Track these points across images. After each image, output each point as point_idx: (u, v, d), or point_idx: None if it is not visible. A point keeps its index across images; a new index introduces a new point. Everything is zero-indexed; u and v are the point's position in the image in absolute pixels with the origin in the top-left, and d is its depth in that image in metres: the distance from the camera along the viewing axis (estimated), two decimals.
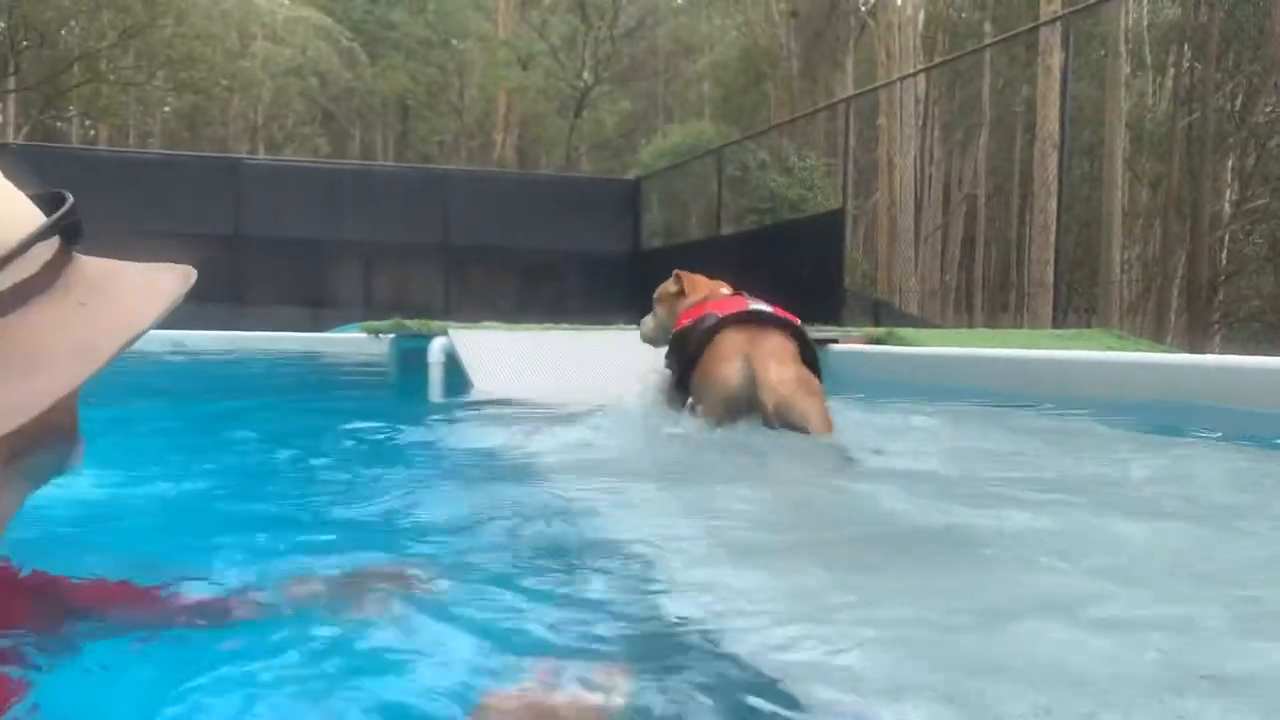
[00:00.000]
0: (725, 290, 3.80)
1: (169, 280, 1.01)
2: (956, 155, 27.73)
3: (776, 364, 3.24)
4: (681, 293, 3.86)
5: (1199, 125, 21.11)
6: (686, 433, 3.27)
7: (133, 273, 1.00)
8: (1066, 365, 4.10)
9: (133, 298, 0.97)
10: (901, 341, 5.34)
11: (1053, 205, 18.31)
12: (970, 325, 22.51)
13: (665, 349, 3.68)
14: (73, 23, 24.11)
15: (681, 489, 2.44)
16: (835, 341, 5.08)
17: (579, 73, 28.87)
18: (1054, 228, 17.94)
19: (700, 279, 3.93)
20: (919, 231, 23.00)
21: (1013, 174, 25.90)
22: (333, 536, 1.90)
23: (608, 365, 4.04)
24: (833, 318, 10.19)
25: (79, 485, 2.25)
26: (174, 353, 7.95)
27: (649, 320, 4.05)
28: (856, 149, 24.17)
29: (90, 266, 0.96)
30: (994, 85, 25.26)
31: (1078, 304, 28.63)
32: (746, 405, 3.23)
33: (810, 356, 3.37)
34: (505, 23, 32.32)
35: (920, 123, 23.06)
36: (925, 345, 5.13)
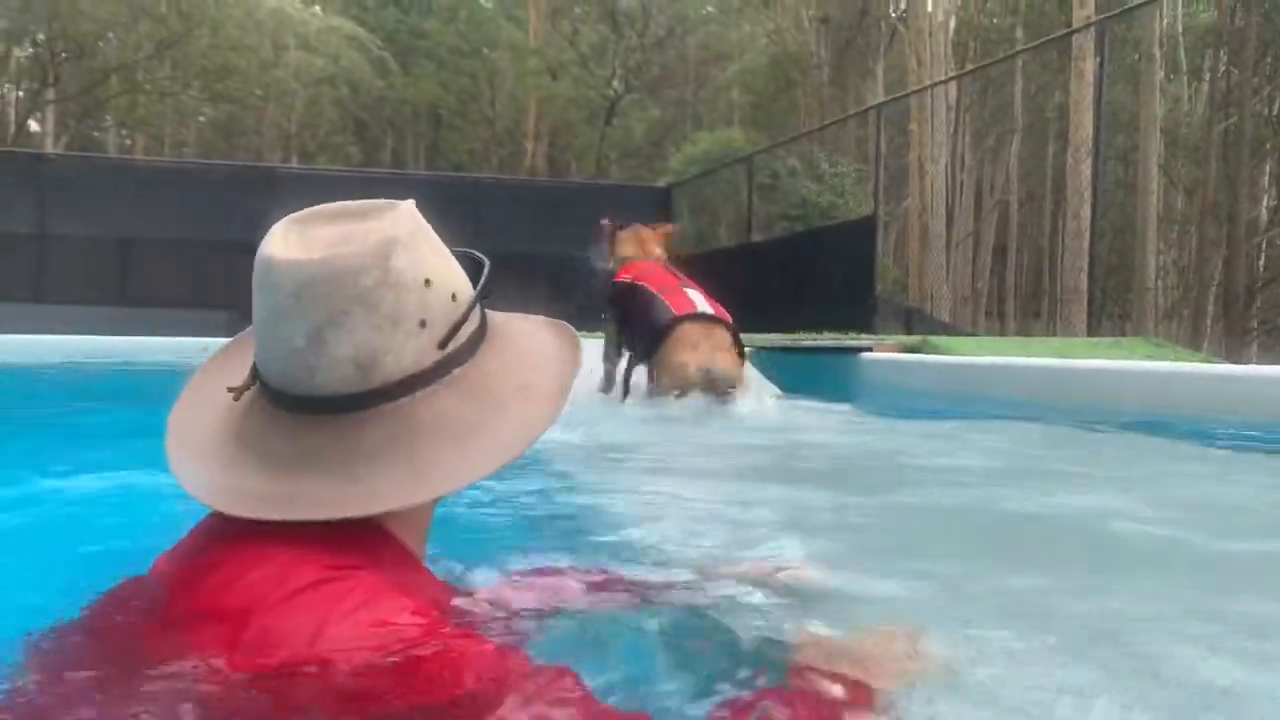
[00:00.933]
0: (658, 250, 5.29)
1: (546, 324, 1.34)
2: (988, 161, 27.55)
3: (722, 353, 4.62)
4: (638, 238, 5.40)
5: (1235, 130, 20.87)
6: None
7: (517, 320, 1.30)
8: (1114, 375, 4.04)
9: (535, 338, 1.27)
10: (935, 350, 5.29)
11: (1086, 211, 18.15)
12: (1002, 332, 22.36)
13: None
14: (110, 34, 24.45)
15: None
16: (869, 350, 5.04)
17: (609, 81, 28.94)
18: (1088, 234, 17.77)
19: (632, 238, 5.35)
20: (950, 238, 22.87)
21: (1045, 180, 25.72)
22: None
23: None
24: (865, 325, 10.15)
25: None
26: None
27: (600, 251, 5.55)
28: (887, 155, 24.08)
29: (493, 317, 1.24)
30: (1026, 90, 25.09)
31: (1112, 310, 28.36)
32: (699, 382, 4.46)
33: (737, 340, 4.74)
34: (536, 32, 32.46)
35: (952, 129, 22.94)
36: (959, 354, 5.08)
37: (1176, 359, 5.46)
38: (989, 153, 27.06)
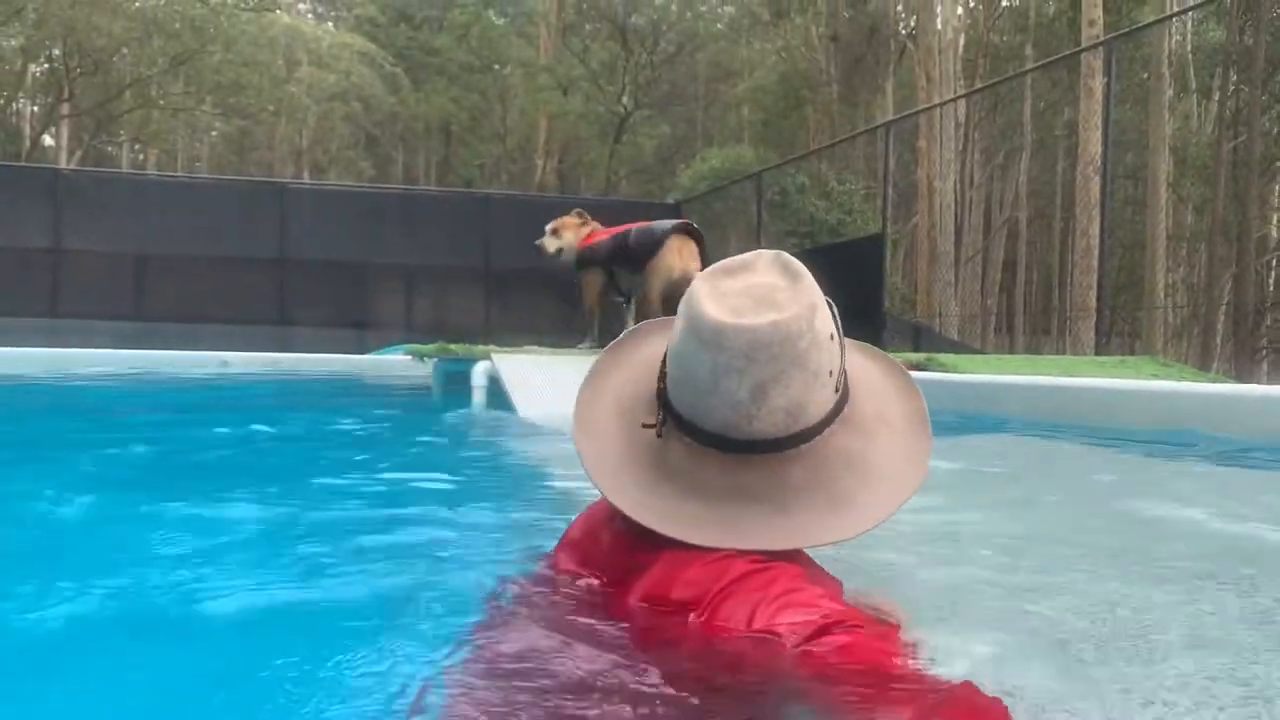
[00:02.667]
0: (598, 225, 7.06)
1: (887, 365, 1.50)
2: (997, 178, 27.61)
3: (694, 263, 6.38)
4: (585, 223, 7.06)
5: (1244, 149, 20.88)
6: None
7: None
8: (1120, 395, 4.08)
9: (855, 360, 1.44)
10: (942, 368, 5.32)
11: (1095, 229, 18.18)
12: (1011, 350, 22.36)
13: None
14: (124, 50, 24.66)
15: None
16: None
17: (619, 98, 29.08)
18: (1097, 252, 17.81)
19: (570, 224, 7.09)
20: (959, 255, 22.90)
21: (1054, 197, 25.75)
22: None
23: None
24: (873, 342, 10.16)
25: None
26: (221, 374, 8.17)
27: (554, 241, 7.10)
28: (896, 172, 24.13)
29: None
30: (1035, 108, 25.15)
31: (1121, 328, 28.31)
32: (681, 285, 4.89)
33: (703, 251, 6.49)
34: (547, 48, 32.65)
35: (960, 146, 23.00)
36: (965, 372, 5.12)
37: (1181, 378, 5.48)
38: (999, 170, 27.11)
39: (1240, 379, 17.82)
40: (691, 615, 1.16)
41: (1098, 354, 9.68)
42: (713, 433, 1.28)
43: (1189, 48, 23.59)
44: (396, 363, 7.29)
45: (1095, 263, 17.89)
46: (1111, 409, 4.00)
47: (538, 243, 7.16)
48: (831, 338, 1.29)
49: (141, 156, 35.94)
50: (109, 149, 34.98)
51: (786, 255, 1.35)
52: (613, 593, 1.29)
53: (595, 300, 7.23)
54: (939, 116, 20.82)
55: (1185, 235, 24.37)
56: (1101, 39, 16.63)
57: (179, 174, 30.13)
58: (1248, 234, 20.47)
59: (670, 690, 1.07)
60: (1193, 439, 3.55)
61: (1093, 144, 17.91)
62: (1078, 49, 17.19)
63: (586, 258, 6.96)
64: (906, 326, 13.88)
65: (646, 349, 1.47)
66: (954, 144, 21.85)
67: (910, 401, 1.44)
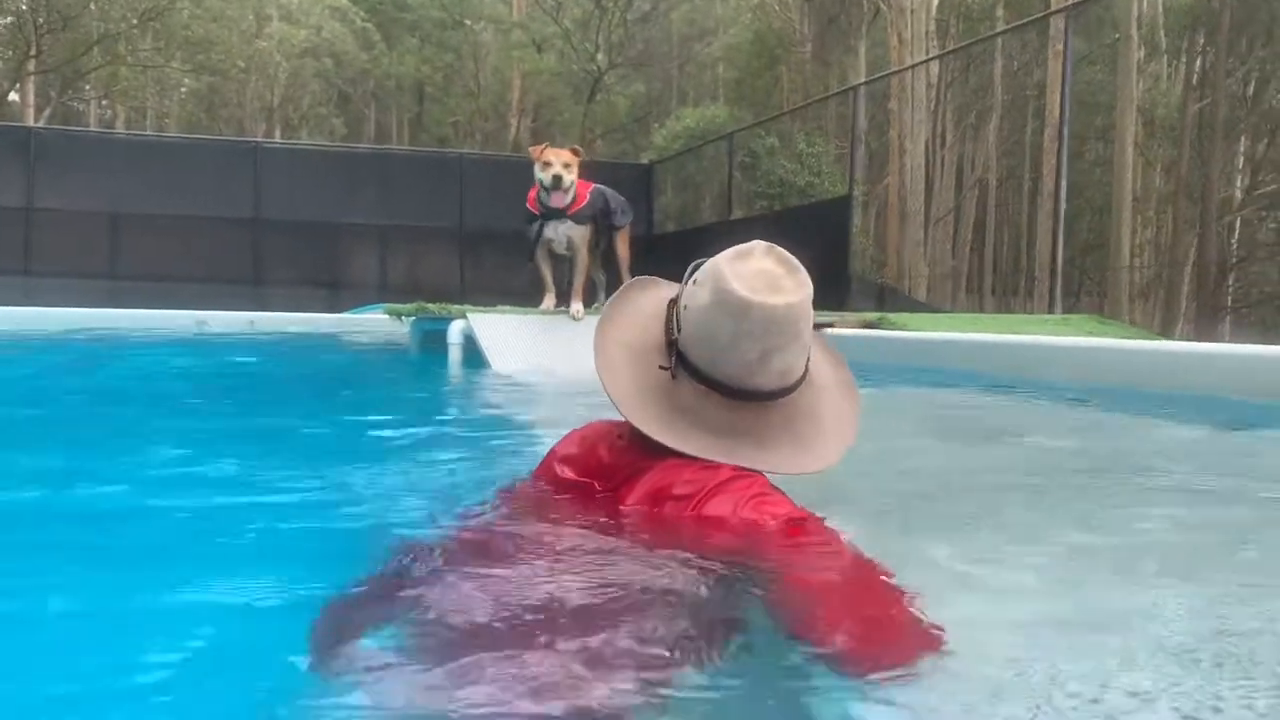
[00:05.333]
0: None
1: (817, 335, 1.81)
2: (970, 139, 27.79)
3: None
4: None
5: (1209, 111, 21.17)
6: None
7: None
8: (1045, 350, 4.36)
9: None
10: (893, 326, 5.59)
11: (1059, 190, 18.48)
12: (981, 309, 22.69)
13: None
14: (92, 5, 24.33)
15: None
16: (831, 325, 5.34)
17: (592, 56, 28.98)
18: (1060, 212, 18.08)
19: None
20: (929, 216, 23.13)
21: (1024, 158, 25.97)
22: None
23: None
24: (839, 302, 10.43)
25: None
26: (199, 334, 8.32)
27: (570, 176, 6.21)
28: (869, 133, 24.26)
29: None
30: (1007, 69, 25.29)
31: (1090, 288, 28.75)
32: None
33: None
34: (520, 5, 32.43)
35: (932, 107, 23.14)
36: (914, 330, 5.38)
37: (1117, 335, 5.76)
38: (970, 130, 27.29)
39: (1201, 337, 18.22)
40: (692, 507, 1.54)
41: (1064, 313, 9.99)
42: (720, 381, 1.66)
43: (1160, 9, 23.79)
44: (373, 321, 7.45)
45: (1057, 224, 18.20)
46: (1037, 363, 4.30)
47: (557, 174, 6.04)
48: (810, 320, 1.71)
49: (110, 113, 35.47)
50: (77, 106, 34.50)
51: (777, 248, 1.72)
52: (611, 493, 1.65)
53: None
54: (910, 78, 20.95)
55: (1153, 196, 24.69)
56: (1066, 5, 16.80)
57: (152, 133, 29.87)
58: (1211, 195, 20.82)
59: (672, 563, 1.39)
60: (1108, 391, 3.85)
61: (1059, 106, 18.12)
62: (1043, 14, 17.33)
63: (586, 213, 6.33)
64: (872, 287, 14.12)
65: (639, 303, 1.85)
66: (925, 105, 21.99)
67: (840, 371, 1.90)
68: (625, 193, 17.68)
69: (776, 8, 26.81)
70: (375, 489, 2.21)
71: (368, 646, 1.18)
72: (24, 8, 24.05)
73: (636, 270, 17.06)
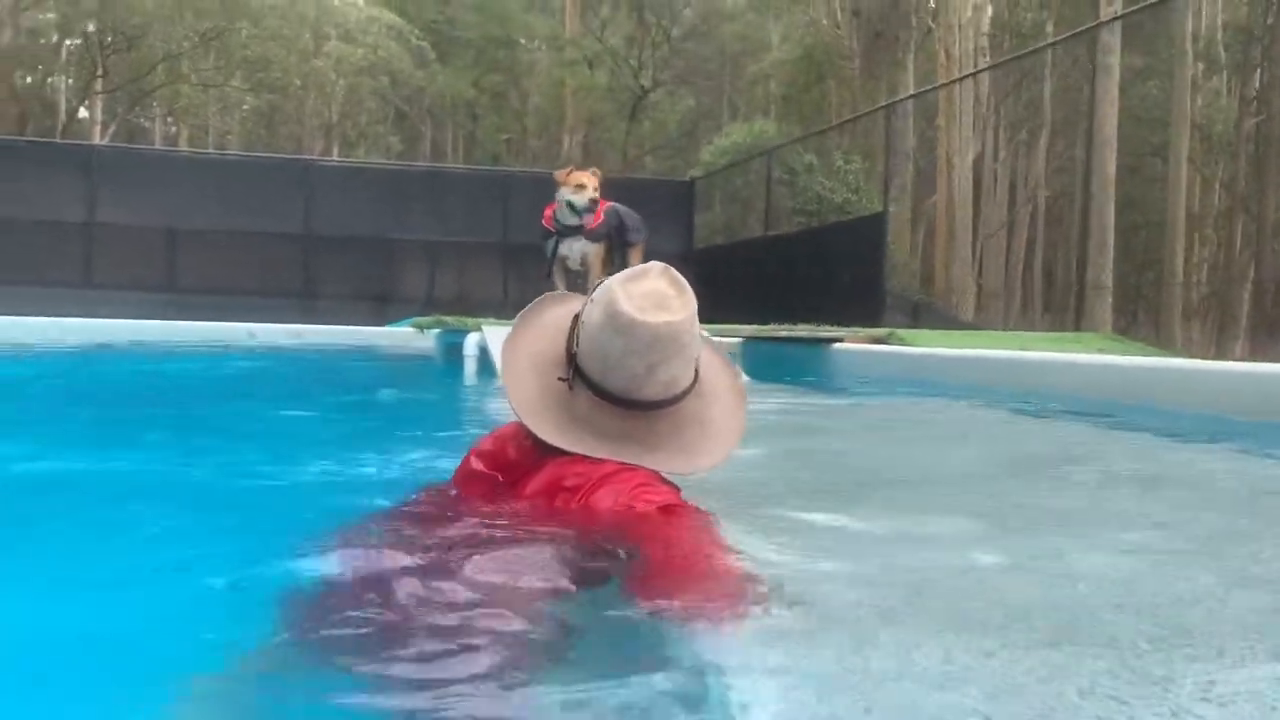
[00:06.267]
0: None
1: (713, 348, 2.03)
2: (1021, 155, 27.56)
3: None
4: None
5: (1265, 126, 20.83)
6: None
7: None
8: (1038, 366, 4.42)
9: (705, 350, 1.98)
10: (901, 342, 5.66)
11: (1109, 208, 18.30)
12: (1030, 327, 22.48)
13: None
14: (155, 26, 25.12)
15: None
16: (840, 341, 5.42)
17: (635, 75, 29.31)
18: (1109, 230, 17.92)
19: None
20: (977, 233, 22.98)
21: (1075, 176, 25.69)
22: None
23: None
24: (873, 318, 10.45)
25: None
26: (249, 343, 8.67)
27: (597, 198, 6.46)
28: (918, 150, 24.19)
29: None
30: (1060, 85, 25.06)
31: (1146, 306, 28.29)
32: None
33: None
34: (570, 23, 32.79)
35: (982, 124, 23.03)
36: (920, 346, 5.45)
37: (1125, 353, 5.78)
38: (1022, 147, 27.07)
39: (1259, 355, 17.87)
40: (581, 497, 1.72)
41: (1114, 331, 9.99)
42: (612, 393, 1.82)
43: (1219, 24, 23.46)
44: (404, 334, 7.67)
45: (1108, 241, 18.02)
46: (1031, 378, 4.37)
47: (593, 198, 6.44)
48: (699, 333, 1.86)
49: (175, 130, 36.48)
50: (143, 123, 35.55)
51: (671, 269, 1.87)
52: (512, 485, 1.84)
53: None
54: (958, 93, 20.89)
55: (1210, 214, 24.30)
56: (1116, 15, 16.70)
57: (208, 150, 30.68)
58: (1267, 211, 20.46)
59: (554, 544, 1.59)
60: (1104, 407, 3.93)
61: (1109, 122, 17.98)
62: (1089, 26, 17.24)
63: (600, 230, 6.74)
64: (906, 303, 14.10)
65: (548, 316, 2.00)
66: (972, 122, 21.88)
67: (733, 380, 2.04)
68: (665, 209, 17.96)
69: (825, 22, 26.86)
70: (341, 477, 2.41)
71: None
72: (91, 29, 24.90)
73: None
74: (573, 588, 1.44)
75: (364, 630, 1.26)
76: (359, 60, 31.01)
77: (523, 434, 1.87)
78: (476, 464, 1.91)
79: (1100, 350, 5.75)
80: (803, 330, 6.66)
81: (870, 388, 4.77)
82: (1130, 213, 26.45)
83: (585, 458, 1.78)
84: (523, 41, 35.27)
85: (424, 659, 1.18)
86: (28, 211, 14.45)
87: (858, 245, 12.07)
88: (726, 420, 1.93)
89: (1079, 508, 2.42)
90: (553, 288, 6.46)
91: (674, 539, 1.68)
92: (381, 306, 14.56)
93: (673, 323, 1.78)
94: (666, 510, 1.71)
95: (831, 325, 7.51)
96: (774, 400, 4.29)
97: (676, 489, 1.84)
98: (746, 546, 1.70)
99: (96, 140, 27.87)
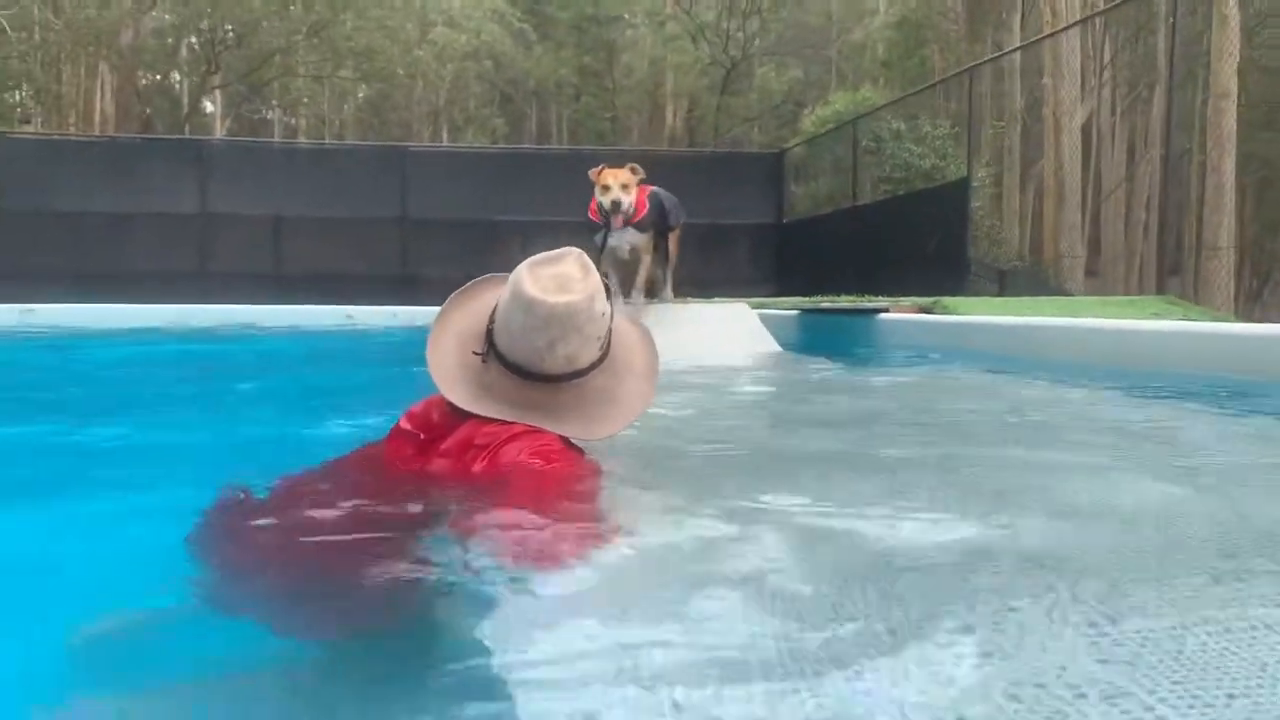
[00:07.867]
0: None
1: (630, 321, 2.25)
2: (1139, 112, 26.42)
3: None
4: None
5: None
6: None
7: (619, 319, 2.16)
8: (1077, 332, 4.30)
9: (631, 334, 2.22)
10: (945, 310, 5.56)
11: (1229, 164, 17.42)
12: (1141, 291, 21.57)
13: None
14: (264, 22, 26.05)
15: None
16: (886, 310, 5.38)
17: (724, 48, 29.20)
18: (1222, 186, 17.07)
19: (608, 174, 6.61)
20: (1088, 197, 22.15)
21: (1192, 132, 24.50)
22: None
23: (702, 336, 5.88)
24: (955, 286, 10.25)
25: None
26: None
27: (627, 198, 6.34)
28: (1025, 111, 23.39)
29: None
30: (1180, 38, 23.83)
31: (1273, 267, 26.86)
32: None
33: None
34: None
35: (1090, 82, 22.14)
36: (964, 314, 5.35)
37: (1183, 317, 5.54)
38: (1141, 102, 25.94)
39: None
40: (491, 454, 1.88)
41: (1233, 295, 9.47)
42: (517, 364, 1.99)
43: None
44: None
45: (1226, 200, 17.16)
46: (1067, 346, 4.26)
47: (616, 200, 6.46)
48: (603, 314, 2.01)
49: (292, 121, 37.77)
50: (263, 116, 36.92)
51: (585, 255, 2.02)
52: (432, 443, 1.99)
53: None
54: (1064, 51, 20.14)
55: None
56: None
57: (309, 141, 31.76)
58: None
59: (460, 495, 1.82)
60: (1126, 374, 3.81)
61: (1225, 74, 17.12)
62: None
63: (647, 220, 6.74)
64: (992, 271, 13.70)
65: (483, 297, 2.16)
66: (1078, 81, 21.06)
67: (651, 360, 2.19)
68: (757, 183, 17.79)
69: None
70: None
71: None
72: (205, 27, 25.99)
73: (761, 261, 16.95)
74: (425, 530, 1.64)
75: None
76: (463, 46, 31.51)
77: (446, 400, 2.03)
78: (405, 424, 2.06)
79: (1154, 315, 5.55)
80: (844, 302, 6.67)
81: (907, 355, 4.72)
82: (1262, 170, 25.09)
83: (497, 421, 1.94)
84: (626, 16, 35.28)
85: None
86: (148, 204, 15.30)
87: (942, 212, 11.82)
88: (630, 398, 2.08)
89: (1016, 485, 2.30)
90: (604, 279, 6.46)
91: (538, 489, 1.82)
92: None
93: (571, 303, 1.93)
94: (549, 464, 1.86)
95: (915, 296, 7.45)
96: (792, 372, 4.30)
97: (581, 452, 2.02)
98: (629, 506, 1.82)
99: (217, 134, 29.17)
